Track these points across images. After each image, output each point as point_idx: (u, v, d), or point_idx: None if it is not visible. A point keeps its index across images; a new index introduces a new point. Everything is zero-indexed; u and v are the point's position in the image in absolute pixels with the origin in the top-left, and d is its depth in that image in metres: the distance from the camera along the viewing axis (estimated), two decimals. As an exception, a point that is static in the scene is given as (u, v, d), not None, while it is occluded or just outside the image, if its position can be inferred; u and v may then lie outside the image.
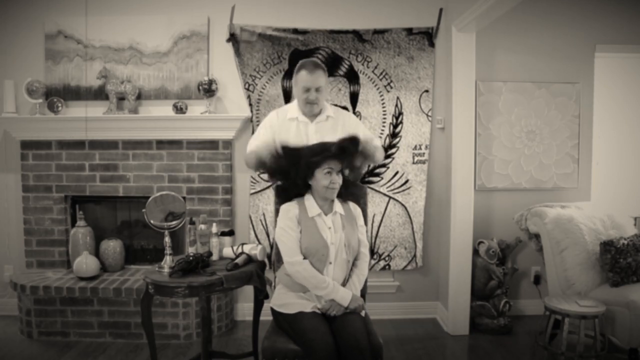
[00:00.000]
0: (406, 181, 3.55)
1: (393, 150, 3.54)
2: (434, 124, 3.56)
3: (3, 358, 3.00)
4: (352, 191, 2.47)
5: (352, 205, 2.41)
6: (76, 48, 3.48)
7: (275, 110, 2.71)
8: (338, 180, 2.26)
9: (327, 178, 2.22)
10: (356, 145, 2.27)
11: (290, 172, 2.28)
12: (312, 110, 2.53)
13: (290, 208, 2.29)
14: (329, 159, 2.22)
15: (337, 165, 2.24)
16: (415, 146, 3.55)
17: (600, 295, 2.84)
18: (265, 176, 3.37)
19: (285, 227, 2.25)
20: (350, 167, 2.36)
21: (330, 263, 2.23)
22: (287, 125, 2.57)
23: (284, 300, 2.25)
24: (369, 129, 3.49)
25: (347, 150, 2.25)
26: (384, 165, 3.53)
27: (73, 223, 3.54)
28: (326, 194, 2.25)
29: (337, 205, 2.34)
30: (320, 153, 2.22)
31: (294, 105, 2.62)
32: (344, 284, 2.25)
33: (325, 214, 2.29)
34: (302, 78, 2.47)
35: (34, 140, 3.48)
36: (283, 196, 2.41)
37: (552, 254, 3.03)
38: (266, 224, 3.54)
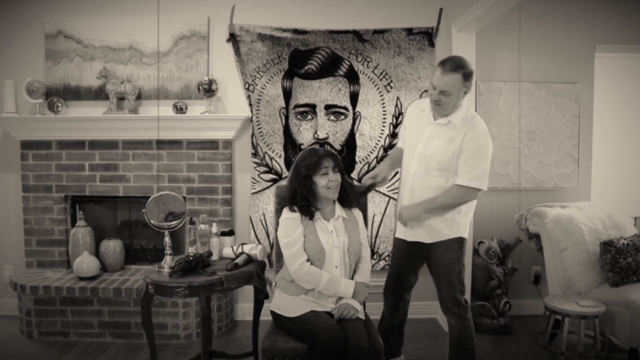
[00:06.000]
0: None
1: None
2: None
3: (3, 358, 3.00)
4: (352, 191, 2.47)
5: (354, 209, 2.42)
6: (76, 48, 3.48)
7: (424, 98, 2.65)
8: (336, 178, 2.27)
9: (325, 178, 2.24)
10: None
11: (293, 184, 2.29)
12: (436, 111, 2.39)
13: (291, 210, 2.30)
14: (322, 159, 2.24)
15: (331, 163, 2.26)
16: (416, 146, 3.53)
17: (600, 295, 2.84)
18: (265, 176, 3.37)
19: (288, 229, 2.26)
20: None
21: (337, 267, 2.24)
22: (415, 113, 2.54)
23: (283, 303, 2.26)
24: (368, 129, 3.50)
25: (334, 154, 2.32)
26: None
27: (73, 223, 3.54)
28: (327, 193, 2.26)
29: (339, 209, 2.35)
30: (312, 157, 2.25)
31: None
32: None
33: (327, 219, 2.30)
34: (435, 74, 2.32)
35: (34, 140, 3.48)
36: (284, 203, 2.40)
37: (552, 254, 3.03)
38: (266, 224, 3.54)
